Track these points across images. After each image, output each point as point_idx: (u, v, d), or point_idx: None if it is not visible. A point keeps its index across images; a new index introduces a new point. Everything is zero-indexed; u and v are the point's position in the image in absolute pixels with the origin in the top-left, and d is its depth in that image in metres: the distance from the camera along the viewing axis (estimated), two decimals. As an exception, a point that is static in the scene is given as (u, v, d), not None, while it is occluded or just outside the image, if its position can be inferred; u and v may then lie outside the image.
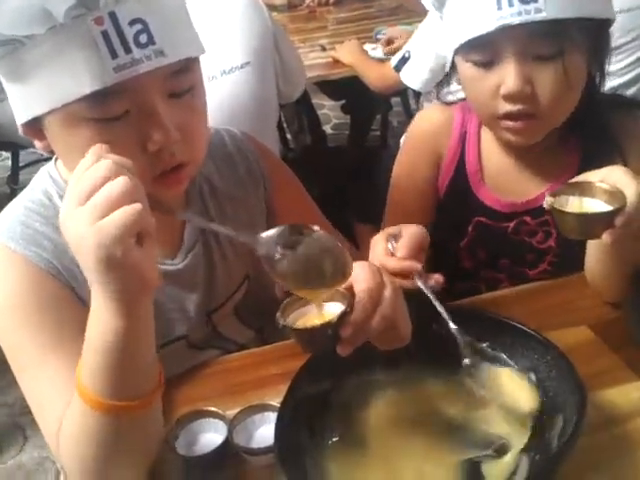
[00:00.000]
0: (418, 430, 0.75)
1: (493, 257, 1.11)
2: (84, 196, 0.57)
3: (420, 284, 0.79)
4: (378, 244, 0.85)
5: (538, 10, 0.83)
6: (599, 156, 0.95)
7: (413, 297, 0.73)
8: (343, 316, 0.63)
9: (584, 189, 0.81)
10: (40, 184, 0.85)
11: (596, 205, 0.79)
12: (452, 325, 0.75)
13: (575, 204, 0.81)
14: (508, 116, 0.93)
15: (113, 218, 0.56)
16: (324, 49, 2.33)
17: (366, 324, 0.64)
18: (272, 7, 2.75)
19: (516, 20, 0.84)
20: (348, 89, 2.56)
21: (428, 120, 1.15)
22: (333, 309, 0.65)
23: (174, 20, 0.72)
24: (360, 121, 2.93)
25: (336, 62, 2.21)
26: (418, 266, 0.80)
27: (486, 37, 0.86)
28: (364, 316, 0.63)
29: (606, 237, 0.77)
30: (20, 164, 2.85)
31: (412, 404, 0.78)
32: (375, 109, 2.92)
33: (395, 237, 0.84)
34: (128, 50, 0.66)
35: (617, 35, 1.78)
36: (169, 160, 0.74)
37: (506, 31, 0.85)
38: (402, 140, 1.20)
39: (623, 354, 0.87)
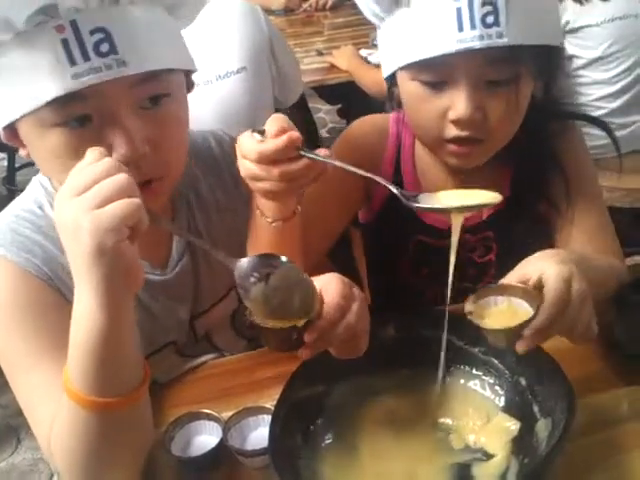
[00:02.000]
0: (410, 433, 0.77)
1: (436, 274, 0.97)
2: (82, 188, 0.59)
3: (310, 154, 0.72)
4: (245, 139, 0.74)
5: (500, 35, 0.78)
6: (531, 168, 0.93)
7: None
8: (310, 322, 0.65)
9: (508, 288, 0.73)
10: (32, 193, 0.86)
11: (521, 306, 0.71)
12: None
13: (503, 304, 0.72)
14: (454, 140, 0.88)
15: (112, 207, 0.58)
16: (320, 54, 2.34)
17: (331, 333, 0.66)
18: (269, 11, 2.76)
19: (477, 44, 0.78)
20: (344, 93, 2.56)
21: (363, 129, 1.07)
22: None
23: (142, 32, 0.71)
24: (356, 125, 2.94)
25: (332, 67, 2.22)
26: (296, 134, 0.72)
27: (440, 58, 0.81)
28: (330, 325, 0.65)
29: (518, 348, 0.69)
30: (16, 165, 2.84)
31: (404, 408, 0.80)
32: (371, 113, 2.92)
33: (260, 131, 0.74)
34: (87, 58, 0.67)
35: (607, 43, 1.79)
36: (135, 175, 0.70)
37: (463, 54, 0.79)
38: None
39: (611, 360, 0.88)
